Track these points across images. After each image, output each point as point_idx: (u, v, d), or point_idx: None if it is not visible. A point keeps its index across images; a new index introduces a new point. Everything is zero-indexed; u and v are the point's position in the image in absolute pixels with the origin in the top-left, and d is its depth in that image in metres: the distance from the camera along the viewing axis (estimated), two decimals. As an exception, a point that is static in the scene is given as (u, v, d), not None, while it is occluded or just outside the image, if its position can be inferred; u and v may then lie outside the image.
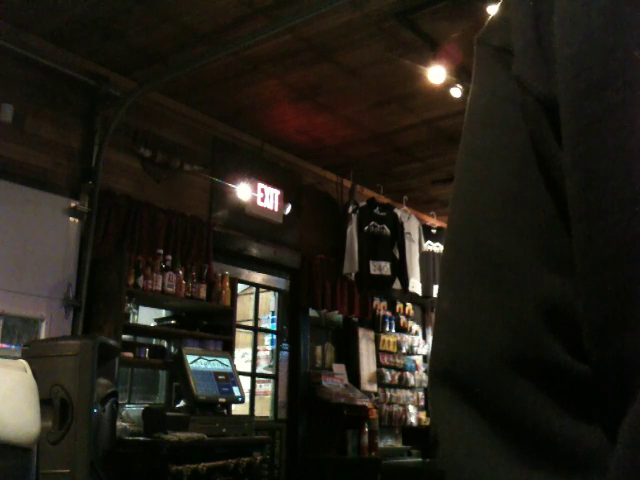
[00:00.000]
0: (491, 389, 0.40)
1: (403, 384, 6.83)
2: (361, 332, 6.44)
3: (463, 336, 0.43)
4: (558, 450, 0.38)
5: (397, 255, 6.42)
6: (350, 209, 6.23)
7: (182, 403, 4.36)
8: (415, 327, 7.23)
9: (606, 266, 0.34)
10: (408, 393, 6.86)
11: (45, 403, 2.33)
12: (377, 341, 6.64)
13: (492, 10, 3.47)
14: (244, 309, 5.92)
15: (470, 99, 0.48)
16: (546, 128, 0.40)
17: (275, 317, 6.07)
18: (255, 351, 5.80)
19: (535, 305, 0.40)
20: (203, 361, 4.42)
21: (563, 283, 0.39)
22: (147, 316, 4.93)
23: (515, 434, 0.39)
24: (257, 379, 5.76)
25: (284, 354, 5.93)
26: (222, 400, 4.36)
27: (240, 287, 5.48)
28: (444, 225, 7.36)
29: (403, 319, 7.06)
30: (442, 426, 0.44)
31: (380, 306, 6.79)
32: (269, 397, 5.83)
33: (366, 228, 6.27)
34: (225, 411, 4.48)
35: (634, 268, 0.33)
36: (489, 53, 0.46)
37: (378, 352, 6.61)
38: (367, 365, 6.41)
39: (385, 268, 6.28)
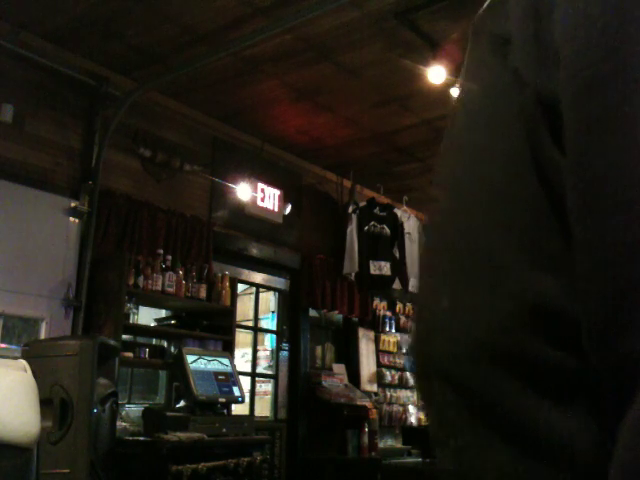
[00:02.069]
0: (477, 384, 0.41)
1: (403, 384, 6.83)
2: (361, 332, 6.44)
3: (447, 330, 0.43)
4: (545, 445, 0.38)
5: (397, 255, 6.42)
6: (350, 209, 6.23)
7: (182, 403, 4.36)
8: (415, 327, 7.22)
9: (606, 268, 0.34)
10: (408, 393, 6.86)
11: (45, 403, 2.33)
12: (377, 341, 6.63)
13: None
14: (244, 309, 5.92)
15: (462, 89, 0.47)
16: (543, 125, 0.39)
17: (275, 317, 6.07)
18: (255, 351, 5.80)
19: (521, 302, 0.39)
20: (203, 361, 4.42)
21: (552, 282, 0.39)
22: (147, 316, 4.93)
23: (505, 429, 0.40)
24: (257, 379, 5.76)
25: (284, 354, 5.93)
26: (222, 400, 4.36)
27: (240, 287, 5.48)
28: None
29: (403, 319, 7.06)
30: (434, 420, 0.44)
31: (380, 306, 6.79)
32: (269, 397, 5.83)
33: (366, 228, 6.26)
34: (225, 411, 4.48)
35: (634, 270, 0.33)
36: (485, 41, 0.45)
37: (378, 352, 6.61)
38: (367, 365, 6.41)
39: (385, 268, 6.28)
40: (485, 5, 0.46)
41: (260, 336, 5.99)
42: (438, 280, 0.45)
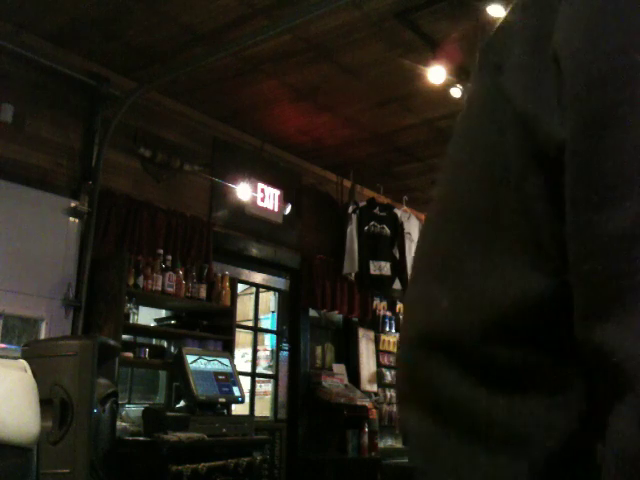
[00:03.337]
0: (429, 376, 0.43)
1: (403, 384, 6.82)
2: (361, 332, 6.44)
3: (411, 322, 0.46)
4: (499, 436, 0.40)
5: (397, 255, 6.42)
6: (350, 209, 6.23)
7: (182, 403, 4.36)
8: (415, 327, 7.23)
9: (590, 258, 0.36)
10: (408, 393, 6.85)
11: (45, 403, 2.33)
12: (377, 341, 6.64)
13: (492, 10, 3.48)
14: (244, 309, 5.92)
15: (465, 99, 0.49)
16: (522, 139, 0.41)
17: (275, 317, 6.07)
18: (255, 351, 5.80)
19: (491, 296, 0.41)
20: (203, 361, 4.42)
21: (542, 280, 0.40)
22: (147, 316, 4.93)
23: (461, 422, 0.41)
24: (257, 379, 5.76)
25: (284, 354, 5.93)
26: (222, 400, 4.36)
27: (240, 287, 5.48)
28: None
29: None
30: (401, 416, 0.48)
31: (380, 306, 6.79)
32: (269, 397, 5.83)
33: (366, 228, 6.26)
34: (225, 411, 4.48)
35: (619, 262, 0.34)
36: (483, 59, 0.47)
37: (378, 352, 6.61)
38: (367, 365, 6.41)
39: (385, 268, 6.28)
40: (495, 26, 0.48)
41: (260, 336, 5.99)
42: (418, 274, 0.48)
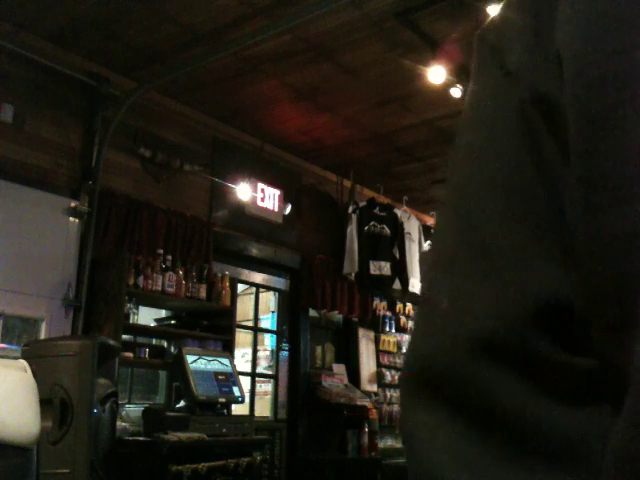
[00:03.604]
0: (476, 382, 0.39)
1: (403, 384, 6.82)
2: (361, 332, 6.44)
3: (446, 325, 0.41)
4: (552, 447, 0.38)
5: (397, 255, 6.42)
6: (350, 209, 6.23)
7: (182, 403, 4.36)
8: (415, 327, 7.23)
9: (594, 259, 0.35)
10: (408, 393, 6.85)
11: (45, 403, 2.32)
12: (377, 341, 6.63)
13: (492, 10, 3.48)
14: (244, 309, 5.92)
15: (467, 95, 0.48)
16: (539, 123, 0.40)
17: (275, 317, 6.07)
18: (255, 351, 5.81)
19: (530, 296, 0.39)
20: (203, 361, 4.42)
21: (563, 277, 0.39)
22: (147, 316, 4.93)
23: (506, 432, 0.38)
24: (257, 379, 5.76)
25: (284, 354, 5.93)
26: (222, 400, 4.36)
27: (240, 287, 5.48)
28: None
29: (403, 319, 7.06)
30: (414, 434, 0.42)
31: (380, 306, 6.79)
32: (269, 397, 5.83)
33: (366, 228, 6.26)
34: (225, 411, 4.48)
35: (620, 263, 0.34)
36: (486, 50, 0.46)
37: (378, 352, 6.61)
38: (367, 365, 6.41)
39: (385, 268, 6.28)
40: (489, 19, 0.47)
41: (260, 336, 5.99)
42: (443, 273, 0.44)
